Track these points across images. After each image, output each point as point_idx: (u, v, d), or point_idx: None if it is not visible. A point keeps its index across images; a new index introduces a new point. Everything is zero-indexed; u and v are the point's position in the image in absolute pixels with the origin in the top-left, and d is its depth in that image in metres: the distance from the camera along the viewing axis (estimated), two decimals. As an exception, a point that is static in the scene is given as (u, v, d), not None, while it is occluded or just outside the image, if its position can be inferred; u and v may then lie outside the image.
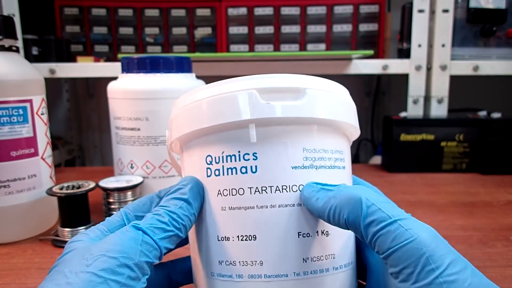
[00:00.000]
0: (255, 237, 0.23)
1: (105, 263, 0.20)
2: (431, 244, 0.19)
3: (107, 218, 0.26)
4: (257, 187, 0.23)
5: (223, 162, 0.24)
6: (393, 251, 0.19)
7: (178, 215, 0.23)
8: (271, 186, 0.23)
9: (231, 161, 0.23)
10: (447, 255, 0.19)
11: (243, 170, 0.23)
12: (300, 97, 0.23)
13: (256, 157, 0.23)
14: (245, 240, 0.23)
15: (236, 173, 0.23)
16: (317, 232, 0.24)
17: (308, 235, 0.23)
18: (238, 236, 0.23)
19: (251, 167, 0.23)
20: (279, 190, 0.23)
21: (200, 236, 0.25)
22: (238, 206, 0.23)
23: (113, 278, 0.20)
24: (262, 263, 0.23)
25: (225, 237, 0.24)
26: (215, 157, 0.24)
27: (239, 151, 0.23)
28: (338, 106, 0.25)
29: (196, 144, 0.25)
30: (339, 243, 0.25)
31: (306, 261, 0.23)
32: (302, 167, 0.23)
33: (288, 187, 0.23)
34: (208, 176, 0.24)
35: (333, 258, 0.24)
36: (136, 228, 0.22)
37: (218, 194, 0.24)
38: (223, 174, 0.24)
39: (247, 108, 0.22)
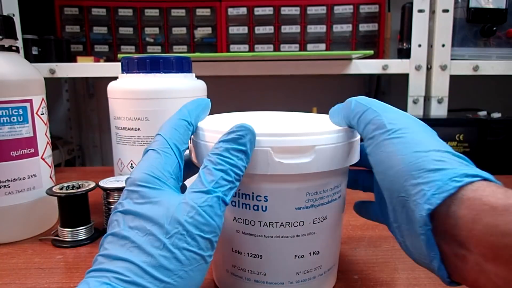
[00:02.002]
0: (261, 256, 0.29)
1: (203, 243, 0.23)
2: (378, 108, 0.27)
3: (155, 152, 0.26)
4: (266, 222, 0.29)
5: (239, 197, 0.29)
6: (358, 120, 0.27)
7: (240, 168, 0.25)
8: (277, 222, 0.29)
9: (245, 198, 0.29)
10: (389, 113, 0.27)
11: (255, 208, 0.29)
12: (310, 154, 0.27)
13: (267, 199, 0.28)
14: (253, 257, 0.30)
15: (249, 209, 0.29)
16: (309, 253, 0.30)
17: (302, 256, 0.30)
18: (248, 253, 0.30)
19: (262, 206, 0.28)
20: (283, 225, 0.29)
21: (219, 243, 0.29)
22: (250, 233, 0.29)
23: (206, 254, 0.23)
24: (265, 274, 0.30)
25: (238, 251, 0.30)
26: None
27: (253, 193, 0.28)
28: (342, 154, 0.29)
29: None
30: (327, 256, 0.31)
31: (298, 274, 0.30)
32: (304, 208, 0.29)
33: (290, 223, 0.29)
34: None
35: (320, 268, 0.31)
36: (218, 199, 0.24)
37: (234, 219, 0.30)
38: (239, 207, 0.29)
39: (262, 164, 0.27)
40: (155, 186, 0.25)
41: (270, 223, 0.29)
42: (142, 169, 0.25)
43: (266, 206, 0.28)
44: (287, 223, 0.29)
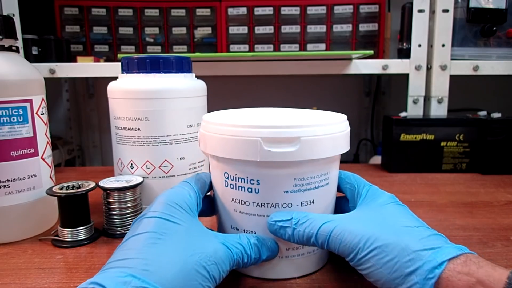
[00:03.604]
0: (255, 233, 0.34)
1: (214, 272, 0.28)
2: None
3: (184, 188, 0.34)
4: (258, 203, 0.33)
5: (236, 181, 0.33)
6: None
7: (254, 258, 0.32)
8: (268, 203, 0.33)
9: (241, 182, 0.33)
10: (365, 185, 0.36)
11: (249, 190, 0.33)
12: (295, 144, 0.31)
13: (259, 182, 0.32)
14: (248, 233, 0.34)
15: (244, 191, 0.33)
16: None
17: None
18: (244, 230, 0.34)
19: (255, 189, 0.33)
20: (273, 206, 0.33)
21: (221, 222, 0.36)
22: (245, 212, 0.34)
23: (212, 282, 0.28)
24: None
25: (235, 227, 0.35)
26: (230, 175, 0.33)
27: (247, 176, 0.32)
28: (327, 145, 0.32)
29: (218, 160, 0.34)
30: None
31: (288, 250, 0.34)
32: (292, 191, 0.32)
33: (280, 204, 0.33)
34: (225, 186, 0.34)
35: (309, 246, 0.34)
36: (234, 261, 0.30)
37: (232, 200, 0.34)
38: (236, 189, 0.33)
39: (254, 152, 0.31)
40: (186, 210, 0.31)
41: (262, 204, 0.33)
42: (175, 195, 0.32)
43: (258, 189, 0.32)
44: (276, 204, 0.33)
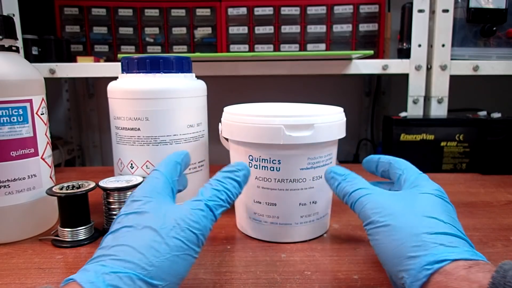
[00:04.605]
0: (276, 204, 0.41)
1: (191, 237, 0.28)
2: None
3: (153, 177, 0.33)
4: (279, 179, 0.40)
5: (260, 161, 0.40)
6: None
7: (232, 193, 0.32)
8: (287, 179, 0.40)
9: (264, 162, 0.40)
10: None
11: (272, 168, 0.40)
12: (310, 130, 0.38)
13: (280, 162, 0.39)
14: (270, 205, 0.41)
15: (267, 170, 0.40)
16: (310, 202, 0.41)
17: (304, 204, 0.41)
18: (265, 202, 0.41)
19: (277, 167, 0.40)
20: (291, 181, 0.40)
21: (242, 198, 0.42)
22: (267, 187, 0.40)
23: (192, 247, 0.28)
24: (278, 217, 0.41)
25: (258, 201, 0.41)
26: (254, 157, 0.40)
27: (270, 157, 0.39)
28: (333, 131, 0.40)
29: (242, 145, 0.41)
30: (322, 205, 0.42)
31: (302, 217, 0.41)
32: (306, 168, 0.40)
33: (297, 180, 0.40)
34: (249, 167, 0.39)
35: (317, 213, 0.42)
36: (208, 207, 0.30)
37: (256, 178, 0.41)
38: (259, 168, 0.40)
39: (277, 137, 0.38)
40: (156, 198, 0.30)
41: (282, 179, 0.40)
42: (145, 188, 0.32)
43: (279, 167, 0.39)
44: (294, 179, 0.40)
